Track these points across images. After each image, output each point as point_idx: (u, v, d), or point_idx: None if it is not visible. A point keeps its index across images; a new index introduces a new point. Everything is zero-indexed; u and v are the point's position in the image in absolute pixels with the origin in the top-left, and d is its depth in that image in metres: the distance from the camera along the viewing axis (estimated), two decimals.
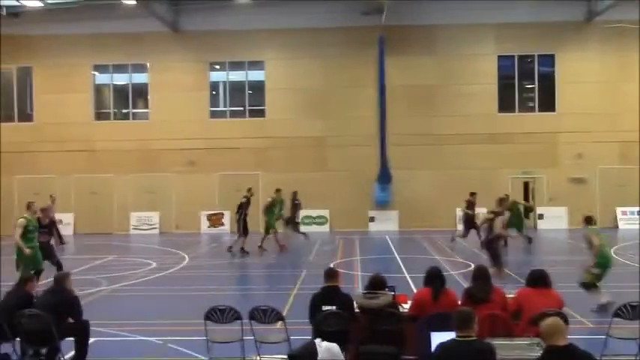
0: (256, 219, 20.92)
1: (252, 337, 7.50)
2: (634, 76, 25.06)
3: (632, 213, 25.32)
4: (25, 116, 27.56)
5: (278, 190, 20.23)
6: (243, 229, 18.83)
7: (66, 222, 25.29)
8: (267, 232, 19.14)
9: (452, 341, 5.20)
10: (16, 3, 24.59)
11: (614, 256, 14.11)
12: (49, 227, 13.95)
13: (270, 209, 19.24)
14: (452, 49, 26.22)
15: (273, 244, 19.18)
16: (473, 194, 19.46)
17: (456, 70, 26.23)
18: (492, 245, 14.53)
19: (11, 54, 26.70)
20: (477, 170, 25.20)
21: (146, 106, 27.44)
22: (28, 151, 26.56)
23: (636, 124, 24.87)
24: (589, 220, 11.37)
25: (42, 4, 24.23)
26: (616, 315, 7.52)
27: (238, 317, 7.47)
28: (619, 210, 25.59)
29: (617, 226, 25.13)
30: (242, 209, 19.08)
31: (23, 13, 25.74)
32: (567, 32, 25.94)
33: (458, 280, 12.76)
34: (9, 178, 26.44)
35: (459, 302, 7.05)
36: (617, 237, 22.54)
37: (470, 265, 14.70)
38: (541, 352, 5.67)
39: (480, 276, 7.30)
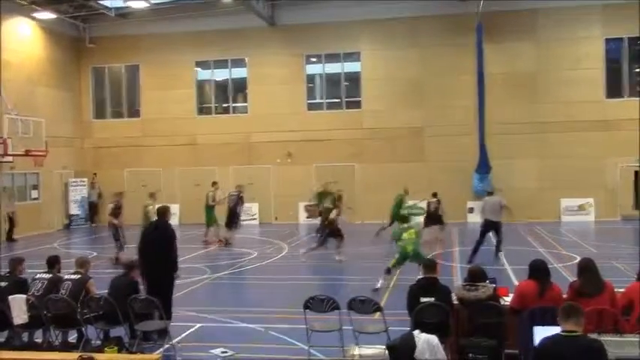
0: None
1: (351, 327, 7.57)
2: None
3: None
4: (133, 112, 29.00)
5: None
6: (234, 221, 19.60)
7: (172, 212, 26.33)
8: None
9: (557, 336, 4.99)
10: (124, 4, 25.86)
11: None
12: None
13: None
14: (554, 34, 25.12)
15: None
16: None
17: (559, 55, 25.11)
18: None
19: (120, 53, 28.27)
20: (582, 159, 24.10)
21: (245, 100, 28.14)
22: (135, 145, 27.99)
23: None
24: None
25: (147, 4, 25.32)
26: None
27: (337, 307, 7.56)
28: None
29: None
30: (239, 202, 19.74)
31: (130, 14, 27.06)
32: None
33: (562, 274, 12.31)
34: (119, 171, 27.98)
35: (565, 296, 6.80)
36: None
37: (575, 258, 14.13)
38: None
39: (587, 269, 6.98)
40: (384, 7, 25.71)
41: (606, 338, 5.42)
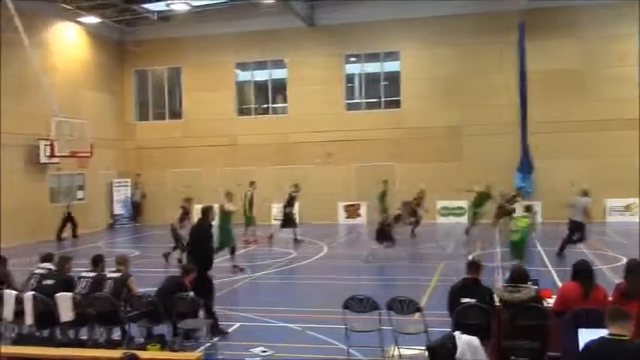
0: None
1: (390, 328, 7.54)
2: None
3: None
4: (175, 114, 29.41)
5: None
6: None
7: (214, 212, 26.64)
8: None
9: (603, 339, 4.86)
10: (166, 8, 26.27)
11: None
12: None
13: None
14: (594, 31, 24.58)
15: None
16: None
17: (600, 52, 24.58)
18: None
19: (162, 56, 28.74)
20: (627, 157, 23.49)
21: (285, 101, 28.28)
22: (177, 146, 28.40)
23: None
24: None
25: (188, 7, 25.68)
26: None
27: (376, 307, 7.54)
28: None
29: None
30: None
31: (172, 17, 27.48)
32: None
33: (607, 275, 12.04)
34: (162, 172, 28.45)
35: (610, 298, 6.64)
36: None
37: (621, 260, 13.80)
38: None
39: (635, 270, 6.80)
40: (422, 5, 25.55)
41: None
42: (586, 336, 5.25)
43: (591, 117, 24.25)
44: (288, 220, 20.04)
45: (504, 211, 17.64)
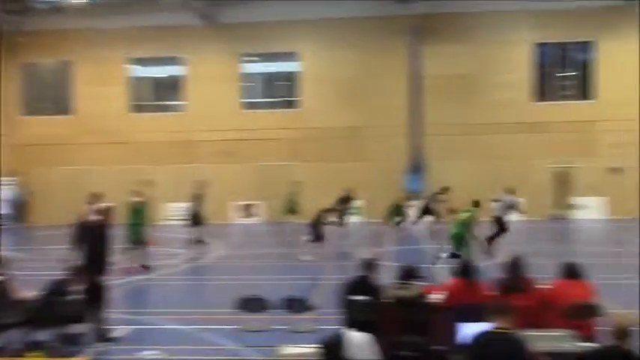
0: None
1: (283, 327, 7.57)
2: None
3: None
4: (65, 109, 28.08)
5: None
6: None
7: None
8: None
9: (487, 332, 5.17)
10: None
11: None
12: None
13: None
14: (488, 37, 25.83)
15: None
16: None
17: (492, 58, 25.86)
18: None
19: (53, 48, 27.36)
20: (513, 160, 24.86)
21: (182, 99, 27.72)
22: (68, 143, 27.17)
23: None
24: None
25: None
26: None
27: (269, 307, 7.55)
28: None
29: None
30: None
31: (64, 9, 26.17)
32: (607, 18, 25.22)
33: (490, 272, 12.63)
34: (51, 170, 27.08)
35: (492, 293, 6.99)
36: None
37: (503, 256, 14.53)
38: (574, 344, 5.61)
39: (514, 266, 7.21)
40: (322, 7, 25.82)
41: (530, 333, 5.59)
42: (470, 329, 5.49)
43: (484, 120, 25.45)
44: (194, 220, 19.41)
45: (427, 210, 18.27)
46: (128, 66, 27.72)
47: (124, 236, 14.27)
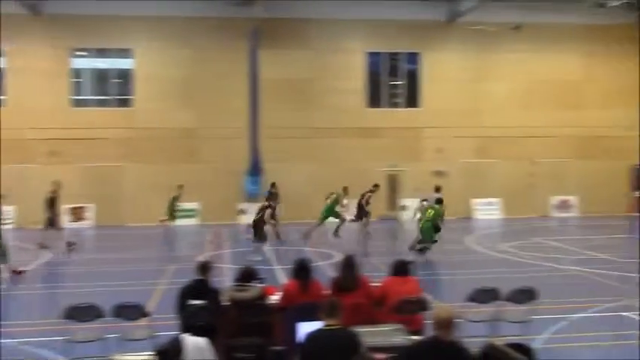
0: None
1: (116, 335, 7.26)
2: (493, 76, 27.14)
3: (489, 204, 27.14)
4: None
5: None
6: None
7: None
8: None
9: (318, 330, 5.33)
10: None
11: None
12: None
13: None
14: (324, 44, 26.65)
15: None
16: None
17: (329, 64, 26.72)
18: None
19: None
20: (349, 163, 25.85)
21: (2, 93, 25.54)
22: None
23: (493, 121, 26.87)
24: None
25: None
26: (471, 299, 8.04)
27: (100, 315, 7.20)
28: (476, 201, 27.22)
29: (472, 217, 26.73)
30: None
31: None
32: (431, 32, 27.22)
33: (324, 271, 13.02)
34: None
35: (327, 292, 7.20)
36: (474, 226, 24.12)
37: (335, 256, 15.09)
38: (403, 337, 5.94)
39: (347, 265, 7.48)
40: (159, 4, 25.12)
41: (362, 329, 5.83)
42: (305, 329, 5.62)
43: (322, 124, 26.20)
44: (51, 224, 17.94)
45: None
46: None
47: None
